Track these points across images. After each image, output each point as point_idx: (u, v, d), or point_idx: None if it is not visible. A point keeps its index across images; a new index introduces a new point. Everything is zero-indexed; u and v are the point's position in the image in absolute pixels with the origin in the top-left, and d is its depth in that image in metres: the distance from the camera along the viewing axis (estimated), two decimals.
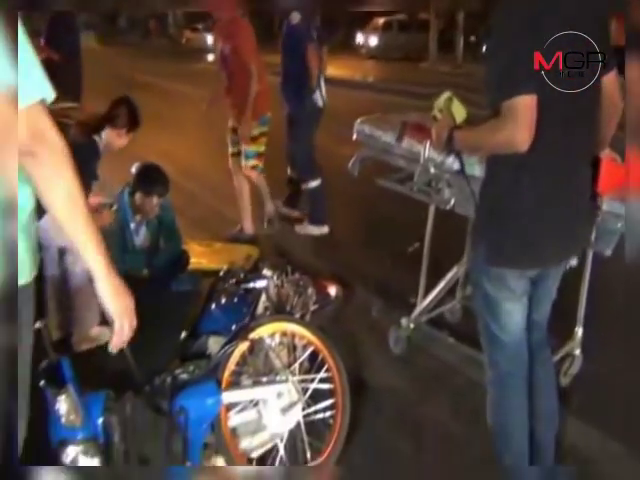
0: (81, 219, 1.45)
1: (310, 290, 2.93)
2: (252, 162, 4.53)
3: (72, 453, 2.21)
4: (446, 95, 2.20)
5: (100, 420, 2.25)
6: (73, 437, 2.19)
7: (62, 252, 3.23)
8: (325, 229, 4.75)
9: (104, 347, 3.29)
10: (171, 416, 2.33)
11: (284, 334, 2.60)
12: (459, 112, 2.16)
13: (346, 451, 2.46)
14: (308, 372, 2.59)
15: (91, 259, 1.51)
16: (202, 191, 5.35)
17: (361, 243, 4.42)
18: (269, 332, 2.54)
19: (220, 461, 2.40)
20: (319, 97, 4.56)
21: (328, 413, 2.48)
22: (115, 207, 3.69)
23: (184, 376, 2.58)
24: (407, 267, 3.35)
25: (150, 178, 3.69)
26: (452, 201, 2.65)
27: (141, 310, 3.70)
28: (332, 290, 3.29)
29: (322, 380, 2.52)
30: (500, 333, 2.04)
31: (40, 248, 3.12)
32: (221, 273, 3.19)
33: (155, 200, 3.69)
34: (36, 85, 1.31)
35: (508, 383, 2.10)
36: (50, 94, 1.34)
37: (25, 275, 1.50)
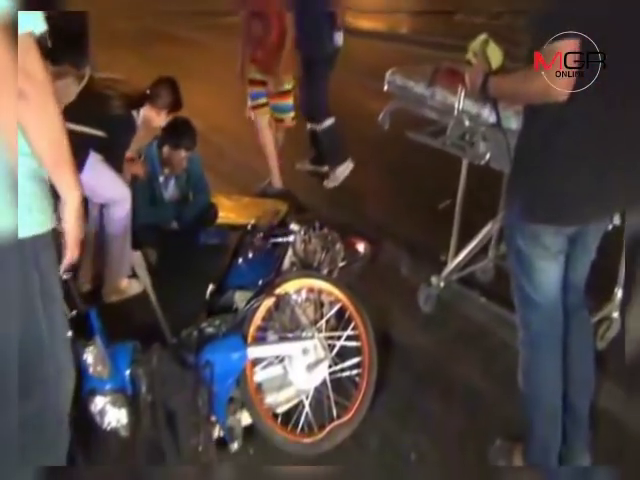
0: (64, 161, 1.45)
1: (338, 246, 2.87)
2: (292, 114, 4.44)
3: (100, 403, 2.24)
4: (482, 37, 2.06)
5: (127, 372, 2.26)
6: (101, 388, 2.21)
7: (101, 207, 3.24)
8: (351, 165, 4.68)
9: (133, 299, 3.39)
10: (197, 370, 2.32)
11: (311, 290, 2.55)
12: (495, 56, 2.02)
13: (372, 409, 2.44)
14: (335, 329, 2.55)
15: (67, 195, 1.51)
16: (231, 145, 5.26)
17: (392, 199, 4.30)
18: (295, 288, 2.50)
19: (245, 416, 2.41)
20: (341, 36, 4.44)
21: (355, 371, 2.44)
22: (143, 158, 3.68)
23: (210, 330, 2.58)
24: (439, 224, 3.24)
25: (178, 131, 3.65)
26: (487, 155, 2.53)
27: (170, 262, 3.76)
28: (360, 246, 3.22)
29: (349, 338, 2.48)
30: (533, 293, 1.96)
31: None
32: (248, 227, 3.16)
33: (183, 153, 3.66)
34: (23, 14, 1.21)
35: (541, 345, 2.02)
36: (40, 25, 1.28)
37: (40, 222, 1.47)
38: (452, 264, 3.02)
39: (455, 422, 2.52)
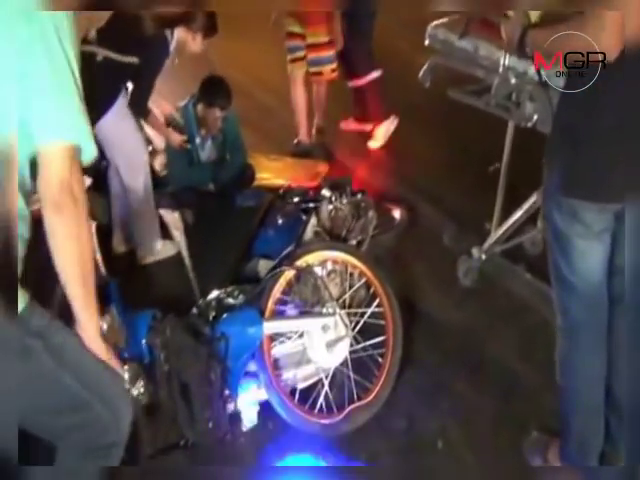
0: (85, 282, 1.33)
1: (371, 213, 2.66)
2: (331, 66, 4.17)
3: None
4: None
5: (144, 341, 2.18)
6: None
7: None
8: (395, 121, 4.42)
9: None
10: (211, 342, 2.22)
11: (336, 262, 2.38)
12: None
13: (397, 390, 2.28)
14: (359, 305, 2.38)
15: (83, 319, 1.38)
16: (277, 102, 5.06)
17: (432, 163, 3.97)
18: (317, 260, 2.33)
19: (261, 392, 2.30)
20: None
21: (378, 350, 2.28)
22: (179, 116, 3.57)
23: (229, 300, 2.46)
24: (483, 190, 2.96)
25: (213, 90, 3.52)
26: (534, 117, 2.25)
27: (205, 225, 3.68)
28: (397, 213, 3.02)
29: (373, 315, 2.30)
30: (572, 276, 1.71)
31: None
32: (281, 191, 3.00)
33: (217, 112, 3.53)
34: (75, 127, 1.22)
35: (580, 334, 1.78)
36: (91, 151, 1.26)
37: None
38: (495, 235, 2.76)
39: (488, 408, 2.33)
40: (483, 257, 2.78)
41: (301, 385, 2.31)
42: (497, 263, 2.82)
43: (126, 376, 2.20)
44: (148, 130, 3.55)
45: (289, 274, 2.29)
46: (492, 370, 2.48)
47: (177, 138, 3.54)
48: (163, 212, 3.87)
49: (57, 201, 1.21)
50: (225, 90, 3.53)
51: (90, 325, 1.39)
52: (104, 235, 3.44)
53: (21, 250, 1.29)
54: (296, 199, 2.81)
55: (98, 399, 1.43)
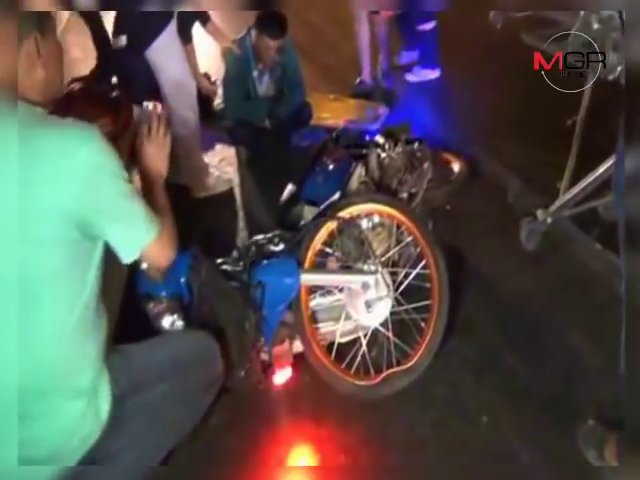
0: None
1: (427, 164, 2.43)
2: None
3: (155, 309, 2.10)
4: None
5: (183, 279, 2.09)
6: (156, 294, 2.07)
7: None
8: (437, 72, 4.25)
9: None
10: (247, 289, 2.11)
11: (382, 216, 2.19)
12: None
13: (442, 357, 2.12)
14: (405, 265, 2.20)
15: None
16: (343, 39, 4.77)
17: (499, 112, 3.64)
18: (361, 212, 2.15)
19: (297, 343, 2.19)
20: None
21: (421, 315, 2.11)
22: (236, 49, 3.39)
23: (269, 247, 2.33)
24: (555, 146, 2.64)
25: (267, 19, 3.34)
26: (618, 69, 1.94)
27: (259, 162, 3.54)
28: (455, 165, 2.77)
29: (419, 277, 2.12)
30: None
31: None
32: (334, 134, 2.80)
33: (271, 42, 3.34)
34: (150, 228, 1.35)
35: None
36: (154, 231, 1.36)
37: None
38: (565, 197, 2.48)
39: (541, 388, 2.11)
40: (549, 220, 2.51)
41: (339, 340, 2.19)
42: (565, 228, 2.55)
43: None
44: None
45: (331, 225, 2.13)
46: (550, 346, 2.26)
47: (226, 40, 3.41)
48: (219, 147, 3.79)
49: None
50: (279, 19, 3.35)
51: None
52: None
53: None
54: (347, 143, 2.62)
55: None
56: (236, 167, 3.63)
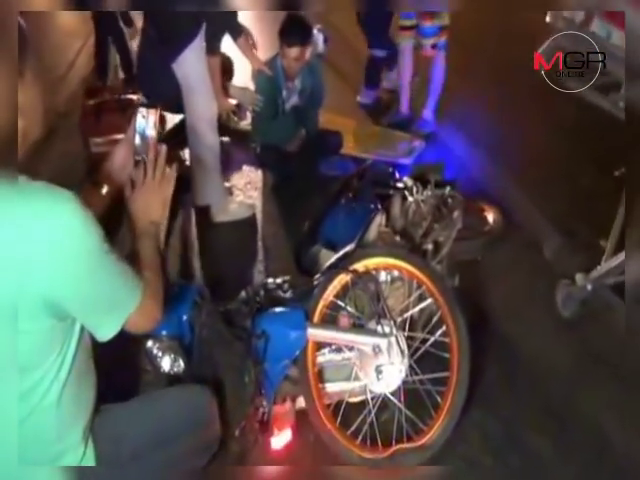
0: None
1: (457, 213, 2.21)
2: (432, 40, 3.75)
3: (154, 348, 1.95)
4: None
5: (185, 317, 1.94)
6: (156, 332, 1.91)
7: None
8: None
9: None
10: (249, 339, 1.94)
11: (401, 271, 1.98)
12: None
13: (457, 433, 1.89)
14: (423, 329, 1.98)
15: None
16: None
17: (541, 159, 3.38)
18: (378, 266, 1.94)
19: (300, 401, 2.00)
20: None
21: (437, 388, 1.88)
22: (267, 70, 3.27)
23: (278, 292, 2.15)
24: (602, 199, 2.40)
25: (285, 26, 3.28)
26: None
27: (285, 190, 3.41)
28: (490, 215, 2.54)
29: (437, 344, 1.90)
30: None
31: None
32: (360, 169, 2.61)
33: (289, 51, 3.25)
34: (130, 298, 1.24)
35: None
36: (135, 301, 1.24)
37: None
38: (610, 262, 2.21)
39: (569, 473, 1.88)
40: (589, 288, 2.25)
41: (347, 399, 1.99)
42: (606, 298, 2.28)
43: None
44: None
45: (345, 277, 1.93)
46: (579, 427, 2.01)
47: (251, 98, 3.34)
48: (246, 169, 3.66)
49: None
50: (297, 26, 3.28)
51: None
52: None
53: None
54: (374, 180, 2.42)
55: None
56: (260, 192, 3.50)
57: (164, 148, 1.44)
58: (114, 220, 1.44)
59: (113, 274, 1.19)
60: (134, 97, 3.73)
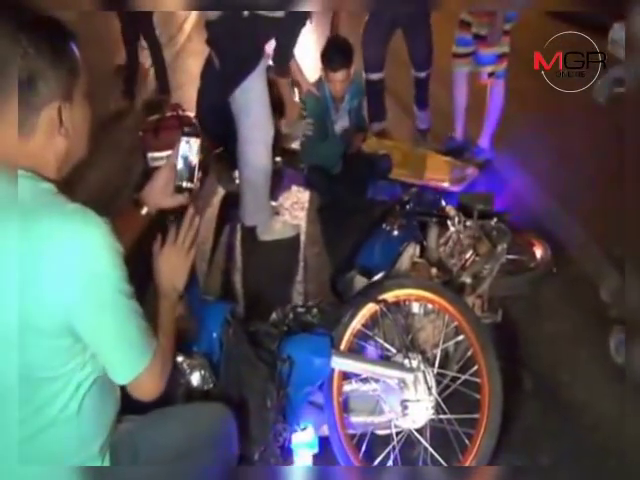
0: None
1: (501, 247, 2.09)
2: (490, 68, 3.62)
3: (184, 364, 1.92)
4: None
5: (215, 334, 1.91)
6: (188, 347, 1.90)
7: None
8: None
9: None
10: (274, 362, 1.89)
11: (433, 304, 1.88)
12: None
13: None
14: (454, 366, 1.87)
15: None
16: (440, 89, 4.50)
17: (601, 192, 3.17)
18: (409, 297, 1.85)
19: (325, 429, 1.92)
20: None
21: (466, 429, 1.76)
22: (315, 91, 3.31)
23: (307, 317, 2.09)
24: None
25: (327, 51, 3.32)
26: None
27: (331, 212, 3.39)
28: (539, 250, 2.39)
29: (468, 384, 1.79)
30: None
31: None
32: (404, 196, 2.54)
33: (333, 75, 3.28)
34: (143, 355, 1.21)
35: None
36: (147, 359, 1.22)
37: None
38: None
39: None
40: None
41: (373, 430, 1.91)
42: None
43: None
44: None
45: (374, 306, 1.85)
46: None
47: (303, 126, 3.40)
48: (294, 188, 3.66)
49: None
50: (339, 49, 3.29)
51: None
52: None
53: None
54: (417, 208, 2.34)
55: None
56: (306, 212, 3.48)
57: (197, 219, 1.44)
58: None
59: (131, 318, 1.17)
60: (192, 115, 3.84)
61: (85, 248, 1.07)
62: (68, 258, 1.06)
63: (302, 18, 2.80)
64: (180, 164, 1.43)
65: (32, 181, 1.10)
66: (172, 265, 1.40)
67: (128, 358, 1.19)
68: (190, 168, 1.43)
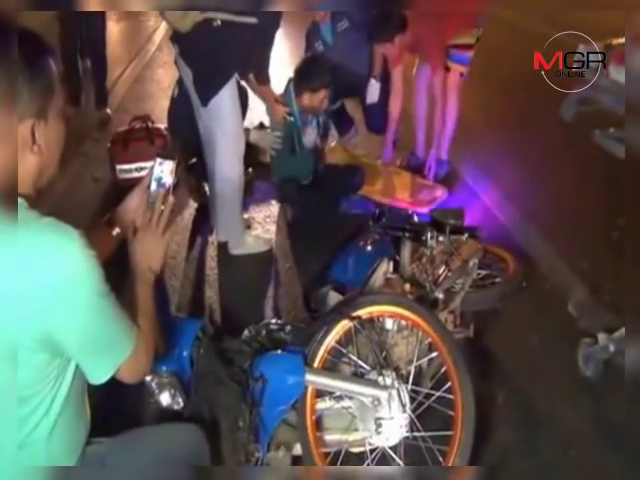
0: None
1: (473, 262, 2.10)
2: (463, 68, 3.63)
3: (153, 383, 1.89)
4: None
5: (186, 353, 1.87)
6: (156, 367, 1.85)
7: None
8: None
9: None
10: (247, 381, 1.86)
11: (407, 321, 1.88)
12: None
13: None
14: (432, 380, 1.87)
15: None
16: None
17: (570, 208, 3.26)
18: (381, 314, 1.85)
19: (297, 447, 1.90)
20: None
21: (440, 447, 1.76)
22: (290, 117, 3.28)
23: (280, 334, 2.07)
24: (635, 256, 2.27)
25: (312, 70, 3.28)
26: None
27: (303, 225, 3.37)
28: (509, 265, 2.42)
29: (441, 401, 1.79)
30: None
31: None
32: (376, 211, 2.54)
33: (321, 94, 3.26)
34: (124, 345, 1.21)
35: None
36: (129, 349, 1.22)
37: None
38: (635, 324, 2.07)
39: None
40: (612, 349, 2.10)
41: (347, 448, 1.89)
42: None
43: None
44: None
45: (348, 323, 1.85)
46: None
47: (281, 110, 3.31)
48: (266, 202, 3.63)
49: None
50: (320, 68, 3.27)
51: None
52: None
53: None
54: (390, 223, 2.35)
55: None
56: (278, 226, 3.46)
57: (171, 199, 1.43)
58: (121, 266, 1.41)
59: (110, 318, 1.17)
60: (161, 126, 3.80)
61: (61, 258, 1.07)
62: (44, 270, 1.05)
63: (275, 21, 2.79)
64: (153, 186, 1.41)
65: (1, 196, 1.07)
66: (147, 247, 1.38)
67: (108, 359, 1.19)
68: (163, 190, 1.42)
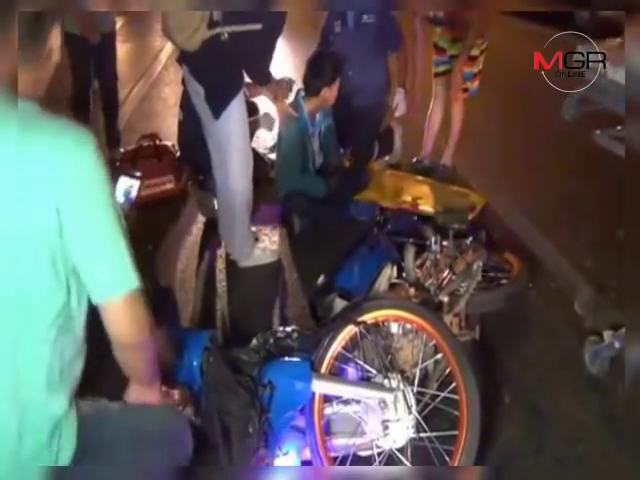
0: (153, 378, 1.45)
1: (477, 265, 2.12)
2: (467, 84, 3.71)
3: None
4: None
5: (196, 363, 1.90)
6: (167, 380, 1.88)
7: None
8: None
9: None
10: (255, 388, 1.89)
11: (411, 324, 1.90)
12: None
13: None
14: (433, 384, 1.89)
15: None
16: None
17: (574, 208, 3.28)
18: (386, 318, 1.88)
19: (307, 452, 1.92)
20: None
21: (446, 446, 1.77)
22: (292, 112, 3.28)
23: (287, 342, 2.10)
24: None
25: (316, 67, 3.22)
26: None
27: (312, 235, 3.38)
28: (513, 267, 2.43)
29: (447, 401, 1.81)
30: None
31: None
32: (380, 217, 2.57)
33: (335, 88, 3.20)
34: (128, 274, 1.19)
35: None
36: (132, 283, 1.20)
37: None
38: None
39: None
40: (617, 346, 2.11)
41: (355, 452, 1.91)
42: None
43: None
44: None
45: (353, 328, 1.87)
46: None
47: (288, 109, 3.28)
48: (274, 214, 3.65)
49: (130, 345, 1.25)
50: (328, 64, 3.22)
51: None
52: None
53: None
54: (395, 229, 2.38)
55: None
56: (285, 239, 3.48)
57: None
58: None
59: (118, 232, 1.17)
60: (169, 144, 3.86)
61: (73, 154, 1.11)
62: (57, 167, 1.09)
63: (279, 22, 2.77)
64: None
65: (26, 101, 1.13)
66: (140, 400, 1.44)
67: (113, 274, 1.17)
68: (126, 205, 1.52)
